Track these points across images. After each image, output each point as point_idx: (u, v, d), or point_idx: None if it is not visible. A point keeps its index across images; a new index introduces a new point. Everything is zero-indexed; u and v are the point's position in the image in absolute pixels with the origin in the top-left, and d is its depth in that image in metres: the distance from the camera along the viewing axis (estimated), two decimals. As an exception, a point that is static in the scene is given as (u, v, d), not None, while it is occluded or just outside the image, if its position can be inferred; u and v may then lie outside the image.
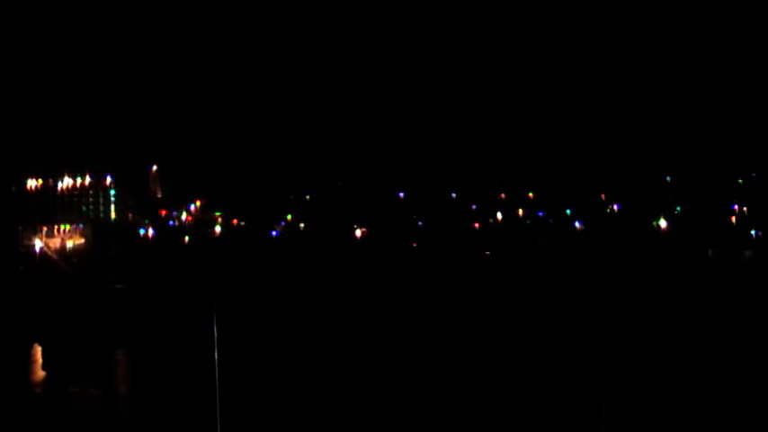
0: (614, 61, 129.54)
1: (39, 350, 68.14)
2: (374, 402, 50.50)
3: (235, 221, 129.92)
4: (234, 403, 41.88)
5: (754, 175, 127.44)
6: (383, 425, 47.54)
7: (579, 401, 45.43)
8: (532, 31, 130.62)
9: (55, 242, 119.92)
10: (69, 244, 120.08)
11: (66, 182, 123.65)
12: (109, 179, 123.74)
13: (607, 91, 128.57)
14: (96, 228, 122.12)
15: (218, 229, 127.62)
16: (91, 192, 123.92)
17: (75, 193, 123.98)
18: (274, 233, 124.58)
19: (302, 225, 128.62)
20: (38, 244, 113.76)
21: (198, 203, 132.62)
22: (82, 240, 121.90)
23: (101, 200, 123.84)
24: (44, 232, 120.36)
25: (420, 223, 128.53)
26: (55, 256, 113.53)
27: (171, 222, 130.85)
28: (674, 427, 45.44)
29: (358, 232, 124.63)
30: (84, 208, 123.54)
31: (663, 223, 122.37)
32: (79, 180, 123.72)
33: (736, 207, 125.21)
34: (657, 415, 46.21)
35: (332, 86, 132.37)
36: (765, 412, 46.35)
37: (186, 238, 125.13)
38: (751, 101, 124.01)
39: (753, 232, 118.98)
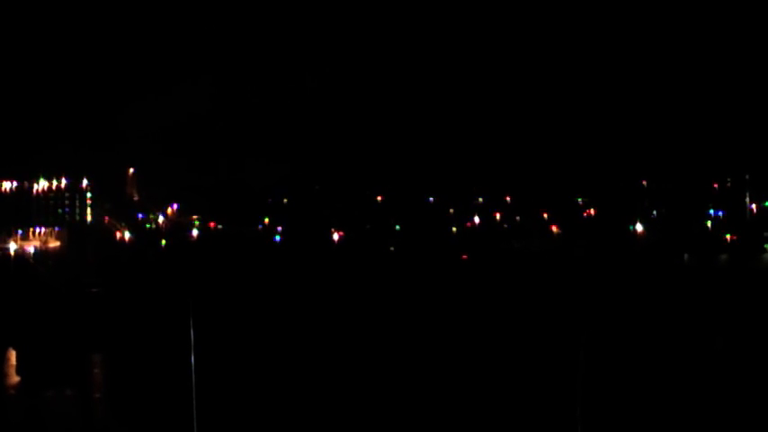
0: (590, 67, 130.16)
1: (13, 354, 67.60)
2: (352, 406, 50.41)
3: (212, 225, 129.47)
4: (210, 407, 41.72)
5: (729, 179, 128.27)
6: (362, 428, 47.50)
7: (556, 403, 45.53)
8: (508, 36, 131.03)
9: (30, 245, 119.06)
10: (45, 247, 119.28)
11: (42, 184, 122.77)
12: (85, 182, 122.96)
13: (584, 96, 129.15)
14: (72, 231, 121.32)
15: (195, 232, 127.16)
16: (67, 194, 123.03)
17: (51, 195, 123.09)
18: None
19: (279, 228, 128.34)
20: (13, 247, 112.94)
21: (175, 206, 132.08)
22: (58, 243, 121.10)
23: (77, 203, 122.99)
24: (19, 235, 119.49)
25: (397, 227, 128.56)
26: (30, 260, 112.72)
27: (147, 225, 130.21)
28: (650, 429, 45.64)
29: (335, 236, 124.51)
30: (60, 211, 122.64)
31: (639, 227, 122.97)
32: (55, 182, 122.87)
33: (711, 212, 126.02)
34: (634, 417, 46.40)
35: (309, 90, 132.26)
36: (742, 414, 46.65)
37: (163, 242, 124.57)
38: (727, 106, 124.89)
39: (728, 236, 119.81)
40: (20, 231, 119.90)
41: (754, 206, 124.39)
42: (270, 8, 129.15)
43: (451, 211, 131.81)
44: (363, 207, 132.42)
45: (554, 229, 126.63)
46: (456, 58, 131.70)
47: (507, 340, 66.54)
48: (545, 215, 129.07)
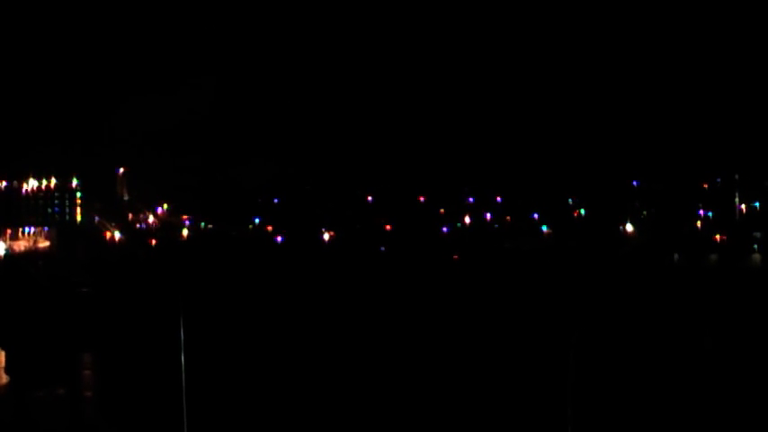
0: (581, 67, 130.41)
1: (2, 354, 67.35)
2: (344, 405, 50.42)
3: (202, 224, 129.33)
4: (200, 407, 41.67)
5: (719, 180, 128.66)
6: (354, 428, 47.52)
7: (546, 404, 45.60)
8: (498, 37, 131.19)
9: (20, 244, 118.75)
10: (34, 247, 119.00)
11: (32, 184, 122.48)
12: (75, 181, 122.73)
13: (574, 96, 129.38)
14: (62, 230, 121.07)
15: (185, 232, 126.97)
16: (57, 194, 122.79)
17: (41, 195, 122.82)
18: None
19: (270, 228, 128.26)
20: (2, 246, 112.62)
21: (165, 206, 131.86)
22: (47, 243, 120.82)
23: (67, 202, 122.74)
24: (8, 235, 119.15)
25: (388, 227, 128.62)
26: (20, 259, 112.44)
27: (138, 225, 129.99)
28: (641, 429, 45.75)
29: (326, 236, 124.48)
30: (49, 210, 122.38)
31: (629, 227, 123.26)
32: (45, 182, 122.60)
33: (701, 212, 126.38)
34: (624, 418, 46.49)
35: (300, 89, 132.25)
36: (731, 414, 46.79)
37: (153, 241, 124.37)
38: (717, 107, 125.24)
39: (717, 236, 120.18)
40: (9, 231, 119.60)
41: (743, 206, 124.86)
42: (257, 7, 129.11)
43: (442, 210, 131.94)
44: (354, 207, 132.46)
45: (544, 229, 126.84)
46: (447, 59, 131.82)
47: (498, 340, 66.61)
48: (535, 215, 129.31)
